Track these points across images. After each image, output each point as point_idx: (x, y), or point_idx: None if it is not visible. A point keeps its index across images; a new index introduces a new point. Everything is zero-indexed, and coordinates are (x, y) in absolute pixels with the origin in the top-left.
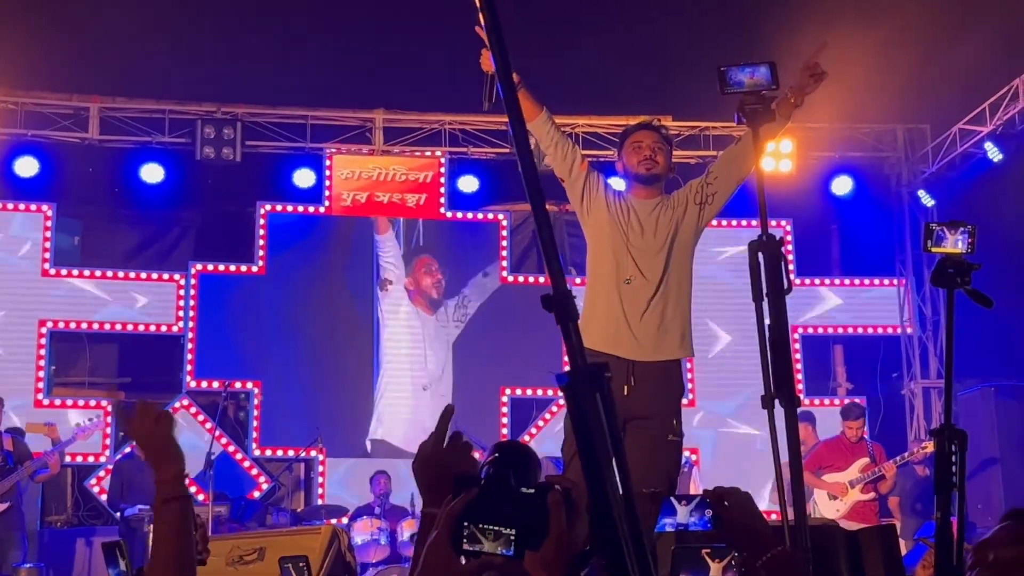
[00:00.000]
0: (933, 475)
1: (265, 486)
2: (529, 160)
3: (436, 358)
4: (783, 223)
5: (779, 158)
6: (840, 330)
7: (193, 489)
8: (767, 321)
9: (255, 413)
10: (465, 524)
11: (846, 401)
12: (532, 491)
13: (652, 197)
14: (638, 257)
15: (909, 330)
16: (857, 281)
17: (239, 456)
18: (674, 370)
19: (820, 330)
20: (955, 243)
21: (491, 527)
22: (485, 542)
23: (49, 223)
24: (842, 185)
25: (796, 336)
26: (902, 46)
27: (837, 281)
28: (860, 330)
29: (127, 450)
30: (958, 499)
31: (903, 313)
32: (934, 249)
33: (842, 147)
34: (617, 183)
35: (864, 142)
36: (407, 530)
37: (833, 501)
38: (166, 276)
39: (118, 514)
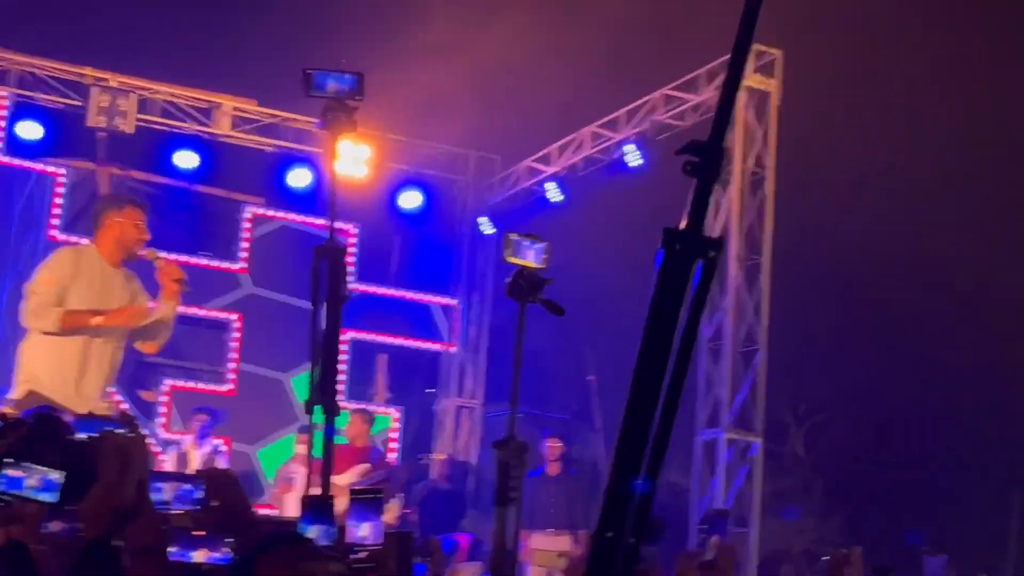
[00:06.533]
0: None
1: None
2: None
3: None
4: (351, 227)
5: (357, 163)
6: (389, 339)
7: None
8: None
9: None
10: (7, 461)
11: (381, 409)
12: (85, 438)
13: None
14: None
15: (453, 348)
16: (412, 295)
17: None
18: None
19: (370, 337)
20: (533, 256)
21: (37, 467)
22: (28, 482)
23: None
24: (411, 199)
25: (346, 340)
26: (483, 77)
27: (393, 291)
28: (409, 342)
29: None
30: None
31: (450, 331)
32: (512, 259)
33: (417, 162)
34: None
35: (439, 161)
36: None
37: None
38: None
39: None
